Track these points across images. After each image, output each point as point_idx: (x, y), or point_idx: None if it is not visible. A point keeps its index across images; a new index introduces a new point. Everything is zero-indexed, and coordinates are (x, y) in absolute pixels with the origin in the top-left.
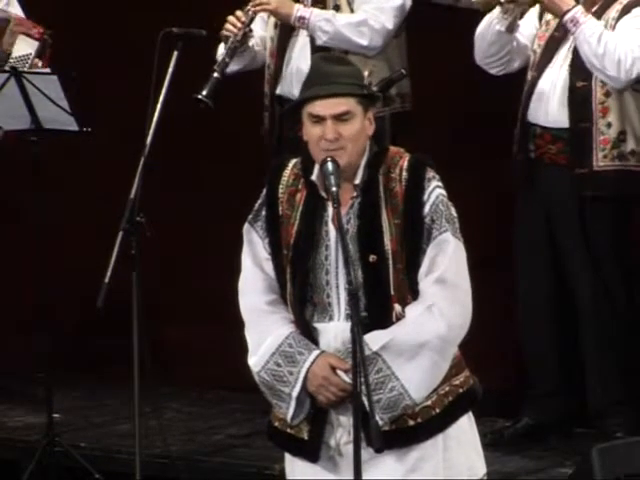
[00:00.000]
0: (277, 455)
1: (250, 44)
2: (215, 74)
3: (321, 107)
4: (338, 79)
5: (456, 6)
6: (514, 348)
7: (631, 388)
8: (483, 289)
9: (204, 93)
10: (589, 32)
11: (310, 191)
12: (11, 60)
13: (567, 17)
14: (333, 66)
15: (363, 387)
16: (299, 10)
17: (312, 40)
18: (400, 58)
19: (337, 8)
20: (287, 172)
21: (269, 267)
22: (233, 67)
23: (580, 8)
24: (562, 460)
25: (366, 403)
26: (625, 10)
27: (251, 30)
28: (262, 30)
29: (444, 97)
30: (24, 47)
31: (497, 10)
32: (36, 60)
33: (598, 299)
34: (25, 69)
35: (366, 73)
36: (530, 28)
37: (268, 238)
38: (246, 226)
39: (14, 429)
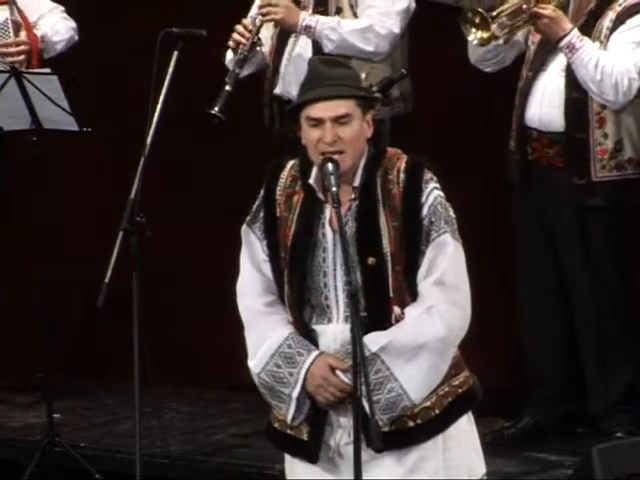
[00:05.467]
0: (277, 455)
1: (257, 49)
2: (227, 87)
3: (320, 110)
4: (336, 81)
5: (457, 6)
6: (514, 348)
7: (631, 388)
8: (483, 289)
9: (217, 109)
10: (586, 58)
11: (307, 194)
12: None
13: (563, 43)
14: (330, 69)
15: (363, 388)
16: (305, 19)
17: (314, 43)
18: (402, 58)
19: (339, 11)
20: (285, 173)
21: (267, 268)
22: (243, 73)
23: (576, 32)
24: (562, 460)
25: (366, 404)
26: (619, 20)
27: (259, 39)
28: (265, 31)
29: (444, 97)
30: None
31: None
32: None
33: (598, 301)
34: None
35: (363, 75)
36: None
37: (266, 239)
38: (244, 227)
39: (14, 429)
